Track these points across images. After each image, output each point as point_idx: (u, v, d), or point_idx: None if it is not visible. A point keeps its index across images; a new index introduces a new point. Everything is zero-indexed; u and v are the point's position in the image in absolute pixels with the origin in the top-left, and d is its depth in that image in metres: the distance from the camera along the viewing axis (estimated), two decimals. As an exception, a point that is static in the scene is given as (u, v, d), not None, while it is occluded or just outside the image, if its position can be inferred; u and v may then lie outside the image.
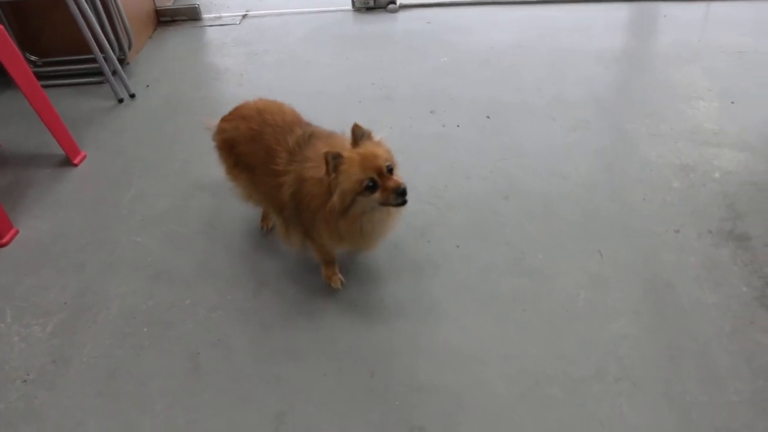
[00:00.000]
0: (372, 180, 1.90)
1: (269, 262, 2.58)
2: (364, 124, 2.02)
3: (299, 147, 2.14)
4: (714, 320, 2.23)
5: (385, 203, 1.96)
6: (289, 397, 2.06)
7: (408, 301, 2.37)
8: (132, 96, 3.76)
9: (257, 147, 2.25)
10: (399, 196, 1.92)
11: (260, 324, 2.31)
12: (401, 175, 2.02)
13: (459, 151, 3.13)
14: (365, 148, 1.96)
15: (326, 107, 3.46)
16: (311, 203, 2.04)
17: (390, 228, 2.21)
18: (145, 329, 2.33)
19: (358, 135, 1.98)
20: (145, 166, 3.20)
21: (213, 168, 3.06)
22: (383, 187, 1.92)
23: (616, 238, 2.57)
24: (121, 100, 3.72)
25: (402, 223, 2.65)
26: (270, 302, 2.40)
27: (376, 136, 2.05)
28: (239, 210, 2.78)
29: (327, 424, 1.99)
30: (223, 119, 2.44)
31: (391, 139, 2.09)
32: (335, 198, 1.93)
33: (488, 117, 3.37)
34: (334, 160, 1.88)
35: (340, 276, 2.41)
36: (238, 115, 2.39)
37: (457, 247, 2.57)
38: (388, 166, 1.94)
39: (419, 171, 2.98)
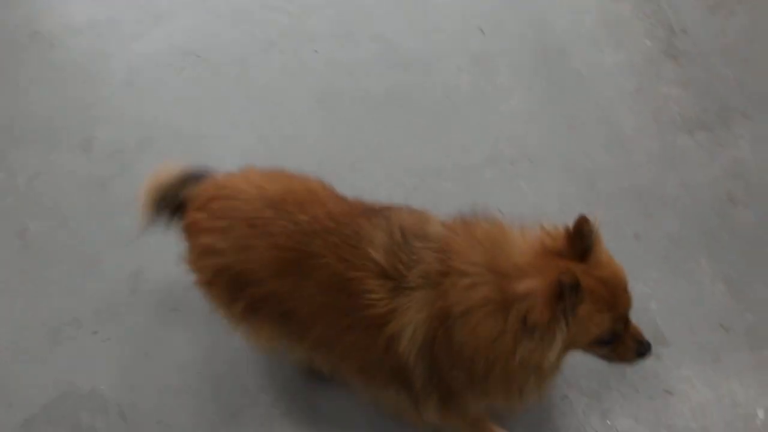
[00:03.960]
0: (615, 332, 1.30)
1: (102, 92, 2.37)
2: None
3: (399, 260, 1.35)
4: (616, 81, 2.26)
5: (612, 360, 1.40)
6: (145, 253, 1.98)
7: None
8: None
9: (302, 280, 1.41)
10: (639, 356, 1.38)
11: (97, 180, 2.17)
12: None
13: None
14: (602, 267, 1.25)
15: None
16: (481, 354, 1.29)
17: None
18: (-47, 213, 2.16)
19: (587, 237, 1.22)
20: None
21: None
22: (622, 341, 1.33)
23: (498, 11, 2.52)
24: None
25: (248, 36, 2.54)
26: (103, 153, 2.23)
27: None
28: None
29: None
30: (204, 227, 1.46)
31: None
32: (551, 354, 1.22)
33: None
34: (572, 294, 1.14)
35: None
36: (225, 214, 1.44)
37: (316, 51, 2.47)
38: None
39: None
